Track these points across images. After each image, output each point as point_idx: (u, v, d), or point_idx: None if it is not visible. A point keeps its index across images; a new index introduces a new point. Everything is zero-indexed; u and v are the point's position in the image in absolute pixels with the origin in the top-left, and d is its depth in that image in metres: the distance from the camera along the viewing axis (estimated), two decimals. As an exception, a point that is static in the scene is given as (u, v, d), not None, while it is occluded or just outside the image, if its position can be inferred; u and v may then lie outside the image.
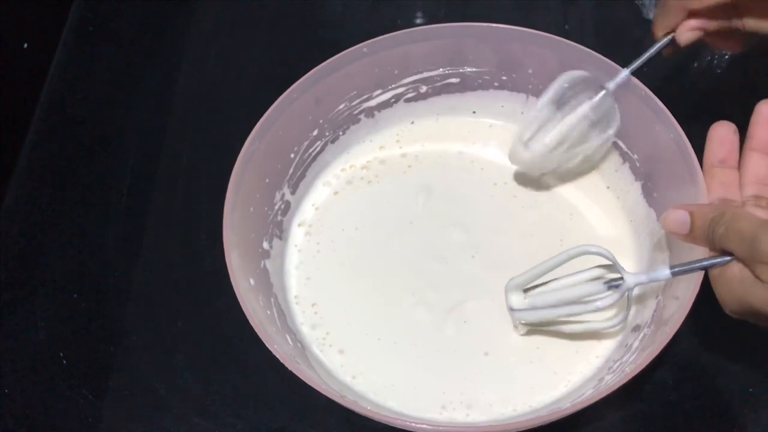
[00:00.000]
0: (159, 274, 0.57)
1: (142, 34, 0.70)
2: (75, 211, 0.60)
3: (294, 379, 0.42)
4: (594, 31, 0.66)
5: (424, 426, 0.42)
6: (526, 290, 0.48)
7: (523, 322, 0.49)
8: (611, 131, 0.52)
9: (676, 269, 0.42)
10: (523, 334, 0.49)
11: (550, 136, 0.52)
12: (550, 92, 0.51)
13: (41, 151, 0.63)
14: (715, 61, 0.64)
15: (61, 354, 0.53)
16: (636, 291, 0.44)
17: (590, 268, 0.46)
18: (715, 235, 0.41)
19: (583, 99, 0.51)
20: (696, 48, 0.64)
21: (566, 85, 0.51)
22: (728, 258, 0.40)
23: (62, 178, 0.62)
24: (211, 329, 0.54)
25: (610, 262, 0.45)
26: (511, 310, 0.48)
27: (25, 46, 0.67)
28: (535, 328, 0.49)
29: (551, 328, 0.49)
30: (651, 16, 0.65)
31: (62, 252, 0.58)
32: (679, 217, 0.43)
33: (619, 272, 0.44)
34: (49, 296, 0.56)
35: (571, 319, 0.48)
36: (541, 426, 0.43)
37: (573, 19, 0.67)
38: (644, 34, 0.65)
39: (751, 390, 0.50)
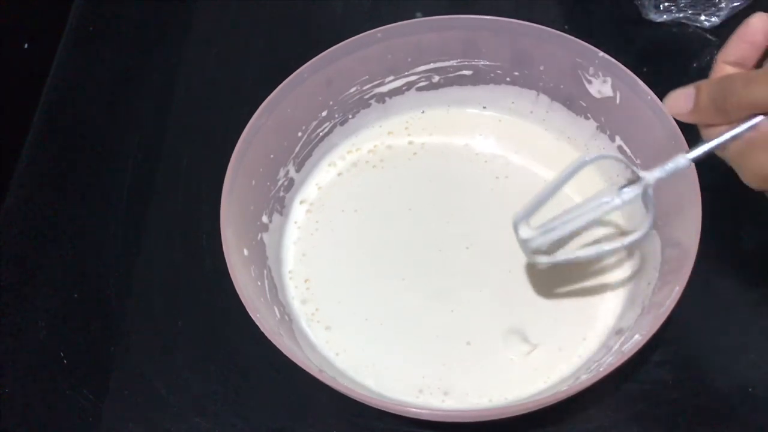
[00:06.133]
0: (159, 274, 0.57)
1: (142, 34, 0.70)
2: (75, 211, 0.60)
3: (294, 379, 0.42)
4: (594, 31, 0.66)
5: (387, 403, 0.43)
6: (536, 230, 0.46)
7: (536, 250, 0.46)
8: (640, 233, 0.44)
9: (694, 154, 0.39)
10: (541, 281, 0.47)
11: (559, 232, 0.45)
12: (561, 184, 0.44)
13: (41, 151, 0.63)
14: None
15: (62, 353, 0.53)
16: (650, 192, 0.41)
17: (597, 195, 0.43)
18: (729, 103, 0.37)
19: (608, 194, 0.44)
20: (696, 48, 0.64)
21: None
22: (751, 123, 0.37)
23: (62, 178, 0.62)
24: (211, 329, 0.54)
25: (623, 162, 0.42)
26: (523, 241, 0.46)
27: (26, 46, 0.67)
28: (554, 264, 0.46)
29: (572, 257, 0.46)
30: (651, 16, 0.65)
31: (62, 252, 0.58)
32: (682, 93, 0.40)
33: (635, 172, 0.41)
34: (49, 296, 0.56)
35: (594, 236, 0.45)
36: (540, 421, 0.43)
37: (573, 19, 0.67)
38: (644, 34, 0.65)
39: (750, 390, 0.50)
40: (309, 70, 0.52)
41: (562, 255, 0.46)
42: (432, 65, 0.57)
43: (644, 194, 0.41)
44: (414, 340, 0.50)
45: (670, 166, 0.40)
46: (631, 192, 0.41)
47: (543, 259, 0.47)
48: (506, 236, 0.53)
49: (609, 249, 0.44)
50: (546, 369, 0.49)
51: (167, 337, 0.54)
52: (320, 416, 0.50)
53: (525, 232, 0.46)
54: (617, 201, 0.41)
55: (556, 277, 0.52)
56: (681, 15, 0.64)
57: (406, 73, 0.57)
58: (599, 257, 0.47)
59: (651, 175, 0.41)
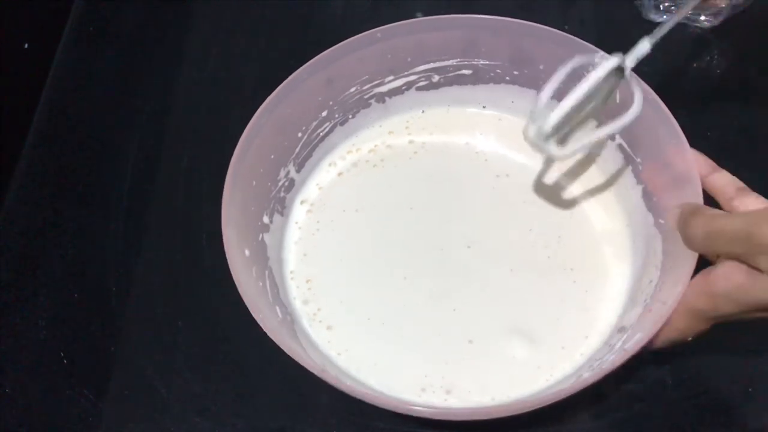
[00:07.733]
0: (159, 274, 0.57)
1: (142, 34, 0.70)
2: (75, 211, 0.60)
3: (295, 379, 0.42)
4: (594, 32, 0.66)
5: (389, 402, 0.43)
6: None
7: (544, 133, 0.48)
8: (627, 117, 0.48)
9: (654, 35, 0.45)
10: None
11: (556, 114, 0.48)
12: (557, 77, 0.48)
13: (41, 151, 0.63)
14: (715, 61, 0.64)
15: (62, 353, 0.53)
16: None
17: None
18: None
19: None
20: (696, 48, 0.64)
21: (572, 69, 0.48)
22: None
23: (62, 178, 0.62)
24: (211, 329, 0.54)
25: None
26: (534, 116, 0.48)
27: (26, 46, 0.67)
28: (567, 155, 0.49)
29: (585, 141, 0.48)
30: (651, 16, 0.65)
31: (62, 252, 0.58)
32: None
33: (617, 63, 0.46)
34: (49, 296, 0.56)
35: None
36: (542, 420, 0.43)
37: (572, 19, 0.67)
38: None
39: (750, 390, 0.50)
40: (309, 70, 0.52)
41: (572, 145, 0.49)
42: (432, 65, 0.57)
43: (623, 77, 0.46)
44: (416, 338, 0.50)
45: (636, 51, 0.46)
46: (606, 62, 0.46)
47: (557, 151, 0.48)
48: (508, 234, 0.54)
49: (608, 130, 0.47)
50: (548, 367, 0.49)
51: (167, 337, 0.54)
52: (321, 416, 0.50)
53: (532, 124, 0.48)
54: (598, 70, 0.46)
55: (558, 275, 0.52)
56: (681, 15, 0.64)
57: (406, 72, 0.57)
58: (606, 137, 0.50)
59: (623, 57, 0.46)
